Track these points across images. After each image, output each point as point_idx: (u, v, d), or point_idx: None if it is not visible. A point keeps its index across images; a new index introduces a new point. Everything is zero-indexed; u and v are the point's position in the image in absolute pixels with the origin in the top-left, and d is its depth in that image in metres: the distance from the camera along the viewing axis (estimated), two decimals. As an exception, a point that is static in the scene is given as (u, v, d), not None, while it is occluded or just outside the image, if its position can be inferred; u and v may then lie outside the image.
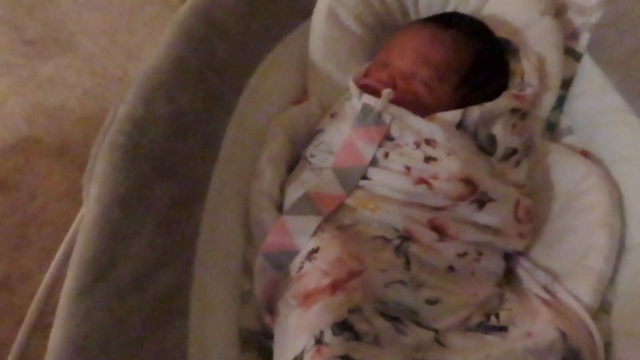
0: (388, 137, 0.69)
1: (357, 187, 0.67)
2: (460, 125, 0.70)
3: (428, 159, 0.66)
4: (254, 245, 0.69)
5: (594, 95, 0.78)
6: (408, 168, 0.67)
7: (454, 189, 0.65)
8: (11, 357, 0.63)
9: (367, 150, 0.68)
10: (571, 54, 0.83)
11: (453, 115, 0.70)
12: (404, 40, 0.76)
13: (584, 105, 0.79)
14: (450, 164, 0.66)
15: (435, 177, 0.65)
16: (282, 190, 0.73)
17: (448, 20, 0.77)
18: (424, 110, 0.71)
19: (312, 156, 0.74)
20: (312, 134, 0.78)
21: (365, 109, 0.69)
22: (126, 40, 1.38)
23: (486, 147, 0.71)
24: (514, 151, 0.73)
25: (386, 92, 0.70)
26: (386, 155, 0.68)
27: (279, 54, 0.80)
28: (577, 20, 0.84)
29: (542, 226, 0.72)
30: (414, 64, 0.73)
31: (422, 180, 0.65)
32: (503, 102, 0.74)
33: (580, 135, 0.79)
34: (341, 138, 0.71)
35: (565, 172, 0.73)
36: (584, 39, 0.83)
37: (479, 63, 0.75)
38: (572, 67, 0.82)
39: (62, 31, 1.40)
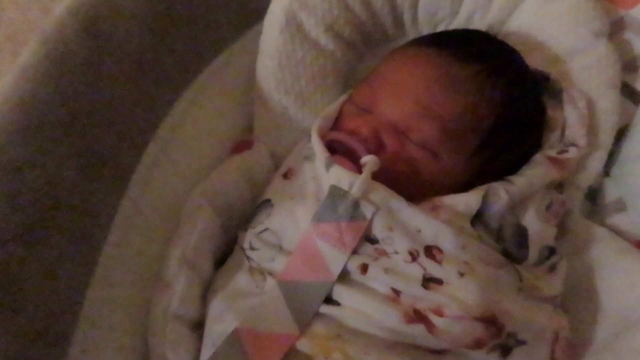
0: (368, 238, 0.45)
1: (317, 316, 0.43)
2: (478, 217, 0.47)
3: (429, 281, 0.43)
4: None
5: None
6: (397, 292, 0.43)
7: (468, 332, 0.42)
8: None
9: (335, 259, 0.44)
10: (627, 94, 0.59)
11: (468, 202, 0.46)
12: (399, 74, 0.51)
13: (645, 172, 0.56)
14: (464, 292, 0.42)
15: (438, 312, 0.42)
16: (204, 297, 0.48)
17: (467, 47, 0.51)
18: (420, 188, 0.48)
19: (252, 248, 0.49)
20: (256, 199, 0.53)
21: (335, 194, 0.45)
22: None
23: (513, 251, 0.48)
24: (551, 251, 0.50)
25: (370, 162, 0.45)
26: (364, 268, 0.44)
27: (209, 80, 0.54)
28: (638, 44, 0.60)
29: (583, 360, 0.50)
30: (412, 115, 0.48)
31: (418, 316, 0.42)
32: (538, 173, 0.50)
33: (637, 216, 0.56)
34: (296, 229, 0.46)
35: (618, 279, 0.51)
36: (647, 72, 0.59)
37: (509, 118, 0.50)
38: (627, 113, 0.59)
39: None
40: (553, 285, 0.50)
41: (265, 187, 0.54)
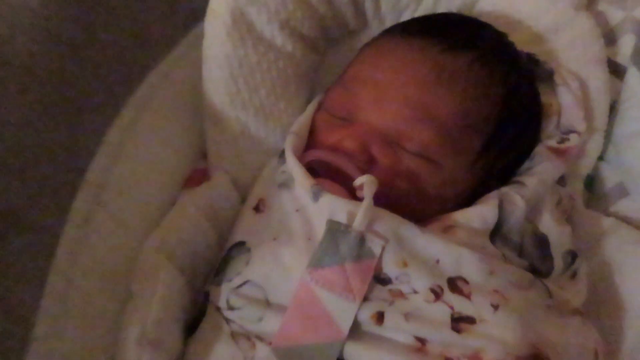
0: (378, 279, 0.36)
1: (329, 386, 0.35)
2: (495, 232, 0.40)
3: (459, 322, 0.35)
4: None
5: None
6: (422, 341, 0.35)
7: (513, 376, 0.35)
8: None
9: (343, 311, 0.35)
10: (610, 69, 0.55)
11: (483, 215, 0.40)
12: (380, 72, 0.42)
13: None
14: (502, 328, 0.35)
15: (476, 359, 0.34)
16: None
17: (453, 33, 0.44)
18: (423, 205, 0.40)
19: (230, 308, 0.39)
20: (222, 241, 0.43)
21: (334, 230, 0.36)
22: None
23: (539, 264, 0.41)
24: (573, 256, 0.44)
25: (368, 184, 0.37)
26: (379, 317, 0.35)
27: (145, 101, 0.44)
28: (614, 15, 0.56)
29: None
30: (404, 120, 0.41)
31: (453, 369, 0.34)
32: (547, 169, 0.44)
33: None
34: (287, 279, 0.37)
35: (639, 274, 0.46)
36: (626, 44, 0.55)
37: (511, 110, 0.44)
38: (614, 89, 0.54)
39: None
40: (578, 293, 0.44)
41: (232, 226, 0.44)
